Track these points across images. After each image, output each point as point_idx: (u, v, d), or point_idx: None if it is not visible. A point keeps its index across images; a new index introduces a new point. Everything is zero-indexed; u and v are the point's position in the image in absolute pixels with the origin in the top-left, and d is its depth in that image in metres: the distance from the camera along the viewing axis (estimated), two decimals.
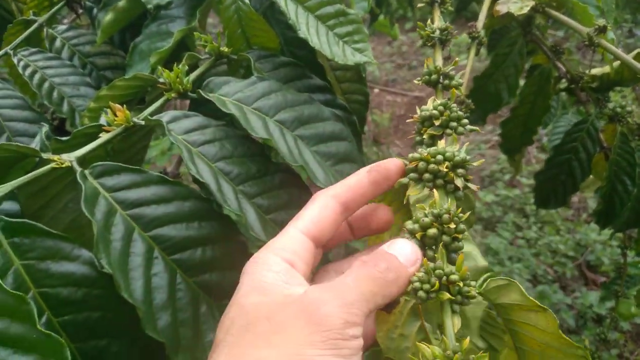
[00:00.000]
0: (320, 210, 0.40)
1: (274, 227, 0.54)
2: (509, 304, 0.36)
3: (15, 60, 0.81)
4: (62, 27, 0.89)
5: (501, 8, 0.65)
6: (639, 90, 1.10)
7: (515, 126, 1.01)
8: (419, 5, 0.59)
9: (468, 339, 0.34)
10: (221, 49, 0.63)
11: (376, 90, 3.87)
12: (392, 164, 0.43)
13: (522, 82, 1.05)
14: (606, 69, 0.89)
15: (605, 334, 1.09)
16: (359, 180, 0.42)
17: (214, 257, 0.50)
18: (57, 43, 0.87)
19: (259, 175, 0.55)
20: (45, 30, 0.87)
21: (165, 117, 0.53)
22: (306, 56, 0.73)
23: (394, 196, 0.48)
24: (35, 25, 0.86)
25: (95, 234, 0.43)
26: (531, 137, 1.03)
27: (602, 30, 0.65)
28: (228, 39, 0.66)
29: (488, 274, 0.39)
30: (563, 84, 0.99)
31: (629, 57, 0.63)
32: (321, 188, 0.45)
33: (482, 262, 0.44)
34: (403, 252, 0.37)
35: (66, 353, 0.35)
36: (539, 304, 0.34)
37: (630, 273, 1.24)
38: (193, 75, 0.62)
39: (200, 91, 0.57)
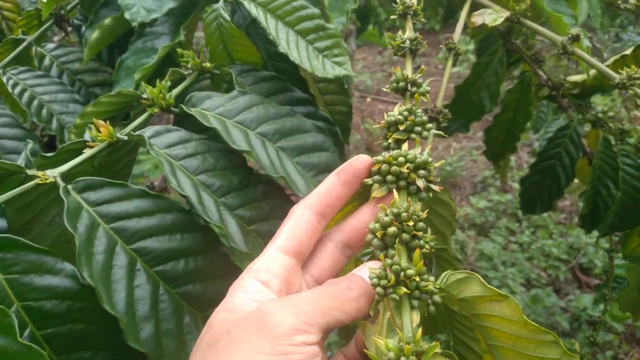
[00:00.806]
0: (294, 225, 0.42)
1: (256, 238, 0.55)
2: (472, 297, 0.37)
3: (4, 78, 0.82)
4: (50, 46, 0.90)
5: (477, 19, 0.66)
6: (626, 94, 1.12)
7: (498, 133, 1.03)
8: (392, 17, 0.61)
9: (420, 330, 0.34)
10: (204, 64, 0.65)
11: (368, 100, 3.89)
12: (359, 162, 0.44)
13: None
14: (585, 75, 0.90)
15: (594, 337, 1.10)
16: (330, 185, 0.43)
17: (196, 268, 0.51)
18: (46, 61, 0.89)
19: (241, 187, 0.56)
20: (34, 48, 0.88)
21: (147, 132, 0.55)
22: (289, 70, 0.74)
23: (358, 197, 0.49)
24: (24, 44, 0.88)
25: (77, 248, 0.44)
26: (514, 144, 1.04)
27: (575, 38, 0.66)
28: (210, 55, 0.68)
29: (449, 271, 0.39)
30: (545, 91, 1.01)
31: (601, 65, 0.64)
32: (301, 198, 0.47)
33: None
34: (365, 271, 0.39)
35: None
36: (500, 292, 0.34)
37: (620, 275, 1.25)
38: (176, 90, 0.63)
39: (183, 106, 0.59)
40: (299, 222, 0.42)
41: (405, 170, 0.42)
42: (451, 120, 1.00)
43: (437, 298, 0.37)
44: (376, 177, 0.43)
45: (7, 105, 0.85)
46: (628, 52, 0.88)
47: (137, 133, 0.54)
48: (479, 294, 0.36)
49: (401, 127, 0.46)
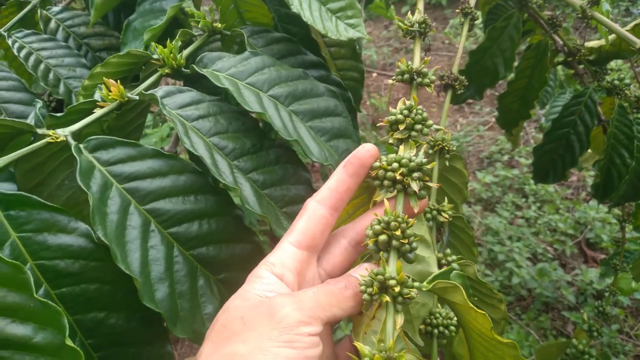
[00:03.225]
0: (307, 219, 0.44)
1: (269, 202, 0.54)
2: (455, 302, 0.41)
3: (9, 42, 0.80)
4: (56, 9, 0.88)
5: None
6: (636, 66, 1.10)
7: (512, 100, 1.01)
8: None
9: (392, 340, 0.38)
10: (214, 24, 0.63)
11: (374, 74, 3.85)
12: (364, 152, 0.46)
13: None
14: (603, 41, 0.88)
15: (603, 307, 1.09)
16: (339, 178, 0.45)
17: (210, 231, 0.51)
18: (52, 24, 0.87)
19: (254, 151, 0.55)
20: (39, 11, 0.87)
21: (159, 92, 0.53)
22: (300, 33, 0.72)
23: (364, 190, 0.50)
24: (29, 7, 0.86)
25: (91, 207, 0.43)
26: (528, 111, 1.02)
27: (595, 2, 0.64)
28: (221, 15, 0.66)
29: (436, 273, 0.43)
30: (560, 57, 0.98)
31: (622, 30, 0.62)
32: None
33: (434, 269, 0.49)
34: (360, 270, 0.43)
35: (63, 321, 0.36)
36: (477, 309, 0.39)
37: (629, 248, 1.24)
38: (187, 51, 0.62)
39: (194, 66, 0.57)
40: (312, 217, 0.44)
41: (399, 177, 0.44)
42: (465, 86, 0.98)
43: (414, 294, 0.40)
44: (376, 182, 0.46)
45: (12, 70, 0.83)
46: None
47: (148, 92, 0.53)
48: (461, 302, 0.40)
49: (401, 127, 0.48)
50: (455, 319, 0.50)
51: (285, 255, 0.43)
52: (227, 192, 0.52)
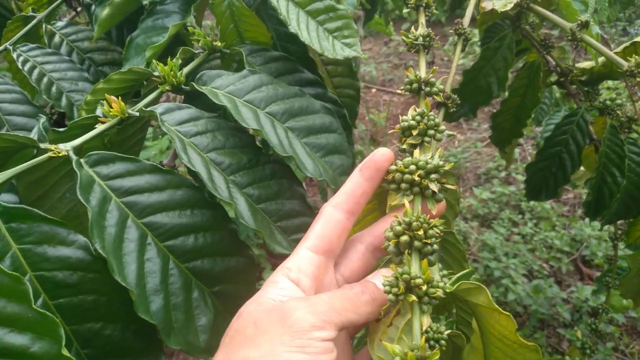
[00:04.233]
0: (324, 224, 0.44)
1: (264, 216, 0.56)
2: (478, 304, 0.40)
3: (14, 55, 0.82)
4: (60, 24, 0.90)
5: (486, 5, 0.66)
6: (631, 86, 1.12)
7: (505, 119, 1.03)
8: (405, 11, 0.61)
9: (424, 338, 0.37)
10: (214, 43, 0.65)
11: (373, 90, 3.88)
12: (380, 156, 0.46)
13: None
14: (594, 62, 0.90)
15: (596, 325, 1.10)
16: (355, 182, 0.45)
17: (205, 244, 0.52)
18: (56, 39, 0.89)
19: (250, 166, 0.57)
20: (44, 26, 0.89)
21: (159, 108, 0.55)
22: (298, 51, 0.74)
23: (377, 196, 0.50)
24: (34, 22, 0.88)
25: (90, 220, 0.44)
26: (521, 130, 1.04)
27: (584, 25, 0.66)
28: (221, 34, 0.68)
29: (460, 274, 0.42)
30: (554, 77, 1.00)
31: (610, 52, 0.64)
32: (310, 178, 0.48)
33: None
34: (379, 277, 0.42)
35: (60, 332, 0.37)
36: (501, 309, 0.38)
37: (621, 266, 1.25)
38: (187, 68, 0.63)
39: (194, 84, 0.59)
40: (328, 221, 0.44)
41: (417, 179, 0.44)
42: (459, 105, 1.00)
43: (440, 294, 0.39)
44: (392, 186, 0.45)
45: (16, 83, 0.85)
46: (639, 39, 0.88)
47: (148, 109, 0.54)
48: (485, 304, 0.39)
49: (414, 132, 0.48)
50: (447, 332, 0.50)
51: (301, 260, 0.43)
52: (222, 206, 0.54)
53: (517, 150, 2.97)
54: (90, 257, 0.46)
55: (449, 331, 0.48)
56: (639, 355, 1.87)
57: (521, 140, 3.07)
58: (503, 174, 2.82)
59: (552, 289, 2.05)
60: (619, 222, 1.05)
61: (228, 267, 0.53)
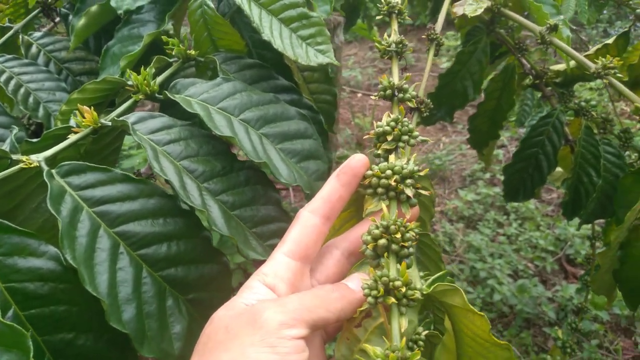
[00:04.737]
0: (301, 230, 0.44)
1: (239, 222, 0.56)
2: (453, 305, 0.40)
3: None
4: (37, 34, 0.90)
5: (457, 10, 0.67)
6: (610, 89, 1.14)
7: (482, 122, 1.04)
8: (377, 17, 0.62)
9: (404, 340, 0.37)
10: (188, 51, 0.65)
11: (359, 95, 3.90)
12: (356, 162, 0.46)
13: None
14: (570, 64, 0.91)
15: (576, 324, 1.12)
16: (332, 188, 0.46)
17: (179, 252, 0.52)
18: (33, 49, 0.89)
19: (224, 173, 0.57)
20: (21, 37, 0.88)
21: (131, 117, 0.55)
22: (273, 58, 0.75)
23: (353, 203, 0.51)
24: (11, 32, 0.88)
25: (60, 230, 0.44)
26: (497, 132, 1.05)
27: (553, 28, 0.67)
28: (195, 42, 0.68)
29: (435, 276, 0.42)
30: (529, 79, 1.02)
31: (578, 54, 0.65)
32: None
33: (417, 284, 0.48)
34: (355, 281, 0.42)
35: (28, 343, 0.37)
36: (476, 310, 0.39)
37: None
38: (161, 77, 0.64)
39: (167, 92, 0.59)
40: (305, 226, 0.45)
41: (393, 183, 0.44)
42: (435, 108, 1.01)
43: (419, 296, 0.40)
44: (368, 191, 0.46)
45: None
46: (610, 41, 0.89)
47: (120, 119, 0.55)
48: (460, 305, 0.39)
49: (389, 138, 0.49)
50: (425, 333, 0.50)
51: (277, 265, 0.43)
52: (195, 214, 0.54)
53: (501, 152, 3.00)
54: (61, 268, 0.46)
55: (426, 332, 0.50)
56: (623, 351, 1.89)
57: (505, 142, 3.10)
58: (488, 175, 2.84)
59: (537, 288, 2.07)
60: (599, 221, 1.06)
61: (202, 274, 0.54)
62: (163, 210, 0.52)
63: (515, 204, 2.53)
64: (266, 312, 0.37)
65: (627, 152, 0.95)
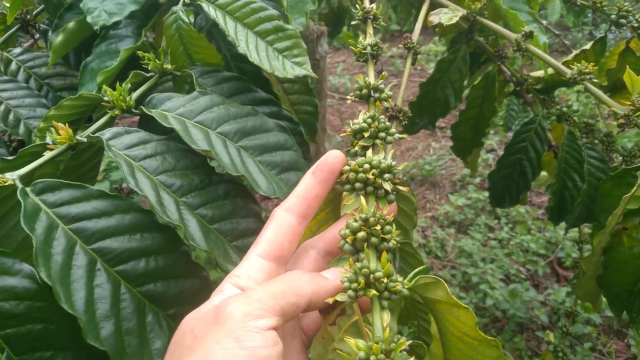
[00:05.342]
0: (275, 229, 0.43)
1: (218, 236, 0.56)
2: (436, 299, 0.39)
3: None
4: (17, 50, 0.90)
5: (433, 19, 0.68)
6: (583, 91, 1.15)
7: (465, 129, 1.04)
8: (353, 22, 0.63)
9: (388, 329, 0.36)
10: (164, 66, 0.65)
11: (348, 101, 3.90)
12: (333, 159, 0.45)
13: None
14: (550, 70, 0.92)
15: (567, 328, 1.12)
16: (307, 185, 0.45)
17: (157, 267, 0.52)
18: (13, 66, 0.89)
19: (202, 187, 0.57)
20: (0, 54, 0.88)
21: (106, 134, 0.55)
22: (252, 70, 0.75)
23: (330, 202, 0.50)
24: None
25: (34, 248, 0.44)
26: (480, 139, 1.06)
27: (528, 35, 0.68)
28: (171, 57, 0.68)
29: (416, 270, 0.41)
30: (510, 87, 1.03)
31: (554, 61, 0.66)
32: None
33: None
34: (331, 272, 0.41)
35: None
36: (460, 302, 0.37)
37: None
38: (137, 92, 0.64)
39: (143, 107, 0.59)
40: (280, 226, 0.43)
41: (371, 177, 0.44)
42: (418, 117, 1.02)
43: (405, 292, 0.39)
44: (346, 187, 0.45)
45: None
46: (588, 46, 0.90)
47: (95, 135, 0.55)
48: (443, 299, 0.38)
49: (366, 134, 0.48)
50: (409, 343, 0.49)
51: (251, 267, 0.41)
52: (173, 229, 0.54)
53: (490, 156, 3.01)
54: (37, 286, 0.46)
55: (410, 341, 0.49)
56: (616, 354, 1.89)
57: (495, 146, 3.12)
58: (478, 180, 2.85)
59: (528, 292, 2.07)
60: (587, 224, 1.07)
61: (182, 289, 0.53)
62: (140, 226, 0.52)
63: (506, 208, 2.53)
64: (230, 305, 0.34)
65: (615, 155, 0.96)
